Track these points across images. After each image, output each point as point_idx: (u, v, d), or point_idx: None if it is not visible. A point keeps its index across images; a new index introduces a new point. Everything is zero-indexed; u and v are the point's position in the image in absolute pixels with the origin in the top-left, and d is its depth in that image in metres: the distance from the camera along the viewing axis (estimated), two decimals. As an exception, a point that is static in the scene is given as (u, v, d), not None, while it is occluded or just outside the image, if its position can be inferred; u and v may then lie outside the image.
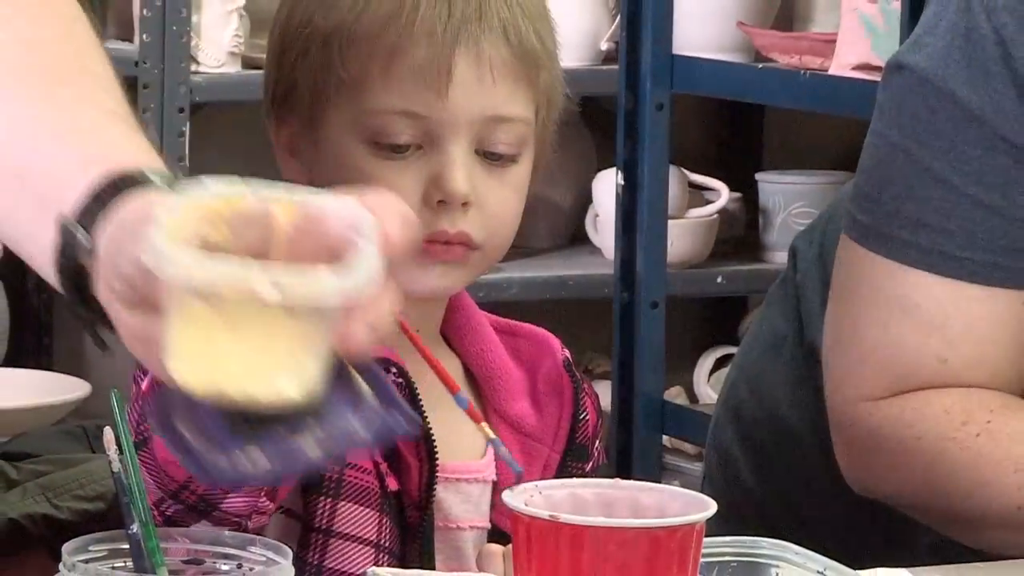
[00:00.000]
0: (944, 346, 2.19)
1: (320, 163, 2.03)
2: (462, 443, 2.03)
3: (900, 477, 2.22)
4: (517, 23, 2.00)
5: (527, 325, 2.15)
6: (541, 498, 1.68)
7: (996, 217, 2.12)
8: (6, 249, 3.98)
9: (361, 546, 1.96)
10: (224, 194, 1.43)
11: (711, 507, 1.68)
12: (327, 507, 1.95)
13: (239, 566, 1.70)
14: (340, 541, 1.96)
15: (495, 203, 2.00)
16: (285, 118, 2.05)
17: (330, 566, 1.93)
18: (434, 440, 1.96)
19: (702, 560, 1.68)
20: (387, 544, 1.98)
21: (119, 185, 1.43)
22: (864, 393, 2.23)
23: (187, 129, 3.65)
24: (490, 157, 2.00)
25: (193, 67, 3.70)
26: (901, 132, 2.19)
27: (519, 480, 1.85)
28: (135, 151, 1.52)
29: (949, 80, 2.14)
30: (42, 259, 1.49)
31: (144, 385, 1.75)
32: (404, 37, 1.97)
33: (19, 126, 1.57)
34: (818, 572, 1.85)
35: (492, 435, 1.87)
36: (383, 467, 1.96)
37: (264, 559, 1.69)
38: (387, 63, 1.98)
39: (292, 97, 2.04)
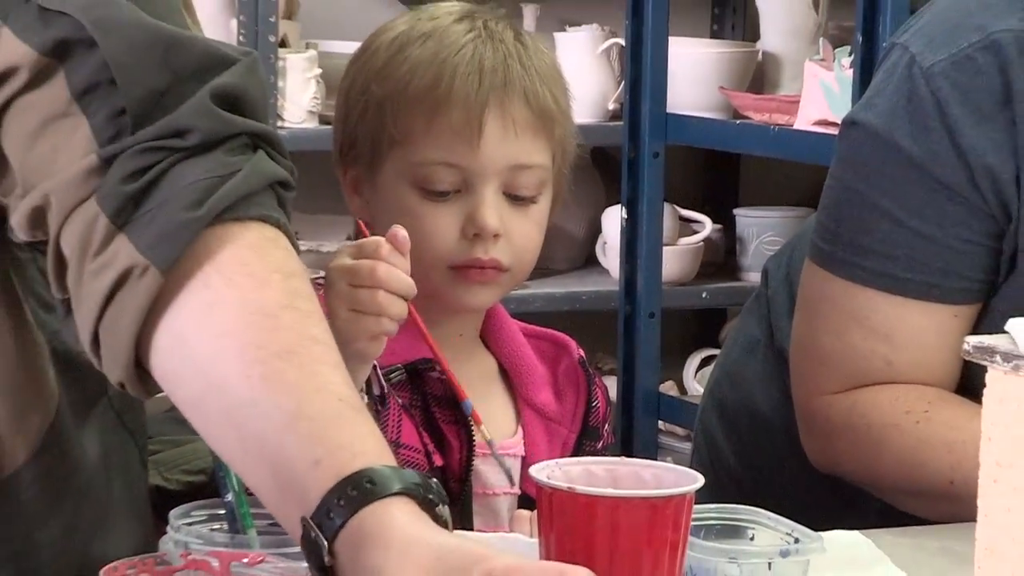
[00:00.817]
0: (889, 351, 2.18)
1: (378, 202, 2.04)
2: (497, 425, 2.01)
3: (854, 458, 2.22)
4: (535, 88, 2.01)
5: (549, 330, 2.16)
6: (560, 472, 1.67)
7: (933, 246, 2.11)
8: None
9: None
10: None
11: (699, 480, 1.68)
12: None
13: None
14: None
15: (520, 235, 2.00)
16: (350, 165, 2.06)
17: None
18: (471, 424, 1.96)
19: (692, 523, 1.67)
20: None
21: (349, 496, 1.38)
22: (823, 389, 2.22)
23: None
24: (515, 197, 2.01)
25: (279, 123, 3.68)
26: (855, 176, 2.19)
27: (512, 484, 1.98)
28: (363, 443, 1.45)
29: (894, 134, 2.12)
30: (289, 527, 1.45)
31: None
32: (443, 102, 1.98)
33: (252, 408, 1.48)
34: (787, 533, 1.84)
35: (489, 437, 1.87)
36: (430, 446, 1.97)
37: None
38: (429, 123, 1.99)
39: (355, 149, 2.05)
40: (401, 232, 1.80)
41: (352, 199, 2.09)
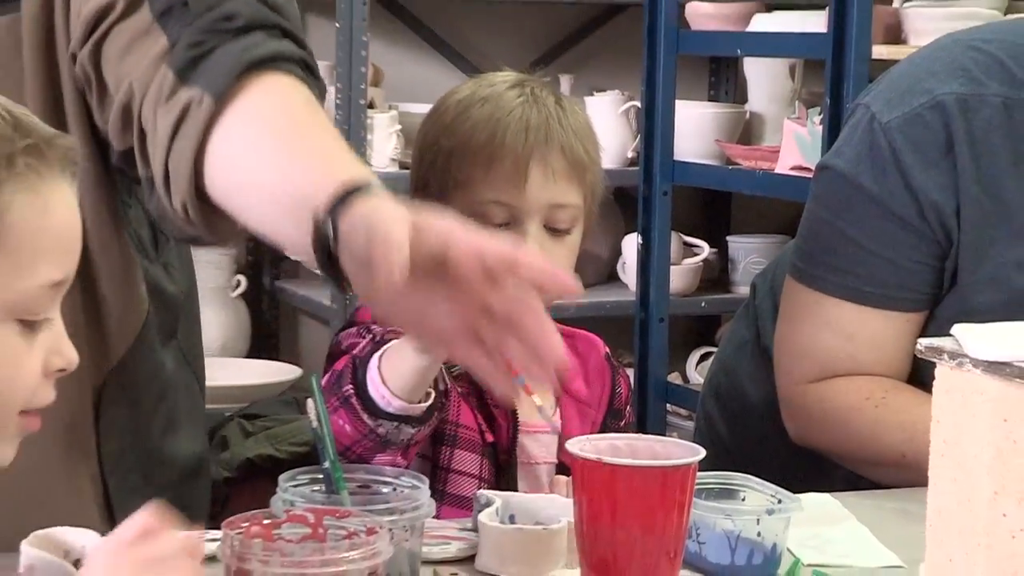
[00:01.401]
0: (853, 348, 2.16)
1: None
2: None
3: (824, 436, 2.20)
4: (571, 143, 2.00)
5: (581, 331, 2.14)
6: (590, 446, 1.68)
7: (890, 266, 2.09)
8: (250, 284, 3.91)
9: (469, 478, 1.98)
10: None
11: (701, 453, 1.68)
12: (447, 453, 1.96)
13: (394, 490, 1.70)
14: (456, 475, 1.97)
15: (557, 259, 1.98)
16: (422, 202, 2.03)
17: (450, 491, 1.93)
18: (516, 408, 1.98)
19: (695, 487, 1.68)
20: (486, 477, 1.98)
21: (352, 191, 1.42)
22: (799, 379, 2.20)
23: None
24: (553, 230, 2.01)
25: (369, 167, 3.65)
26: (827, 210, 2.17)
27: (556, 433, 2.00)
28: (359, 168, 1.52)
29: (858, 176, 2.11)
30: (295, 248, 1.51)
31: (324, 380, 1.82)
32: (497, 154, 1.98)
33: (280, 157, 1.57)
34: (771, 495, 1.83)
35: (539, 402, 1.85)
36: (483, 426, 1.98)
37: (410, 485, 1.69)
38: (486, 171, 1.99)
39: (426, 190, 2.04)
40: None
41: None
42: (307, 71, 1.79)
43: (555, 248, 2.00)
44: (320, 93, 1.80)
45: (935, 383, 1.33)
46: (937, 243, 2.10)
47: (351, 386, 1.79)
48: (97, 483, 1.96)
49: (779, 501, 1.81)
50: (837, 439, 2.19)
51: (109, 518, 1.95)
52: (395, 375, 1.77)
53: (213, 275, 3.77)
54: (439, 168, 2.03)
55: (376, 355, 1.80)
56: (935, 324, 2.14)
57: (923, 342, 1.33)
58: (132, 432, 1.99)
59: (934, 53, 2.20)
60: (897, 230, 2.09)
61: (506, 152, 1.98)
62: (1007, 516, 1.26)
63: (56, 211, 1.24)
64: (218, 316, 3.77)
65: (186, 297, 2.08)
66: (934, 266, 2.11)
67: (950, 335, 1.31)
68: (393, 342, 1.81)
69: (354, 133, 3.61)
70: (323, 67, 3.84)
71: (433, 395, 1.82)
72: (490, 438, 1.99)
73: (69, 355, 1.28)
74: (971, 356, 1.28)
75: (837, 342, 2.17)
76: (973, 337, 1.29)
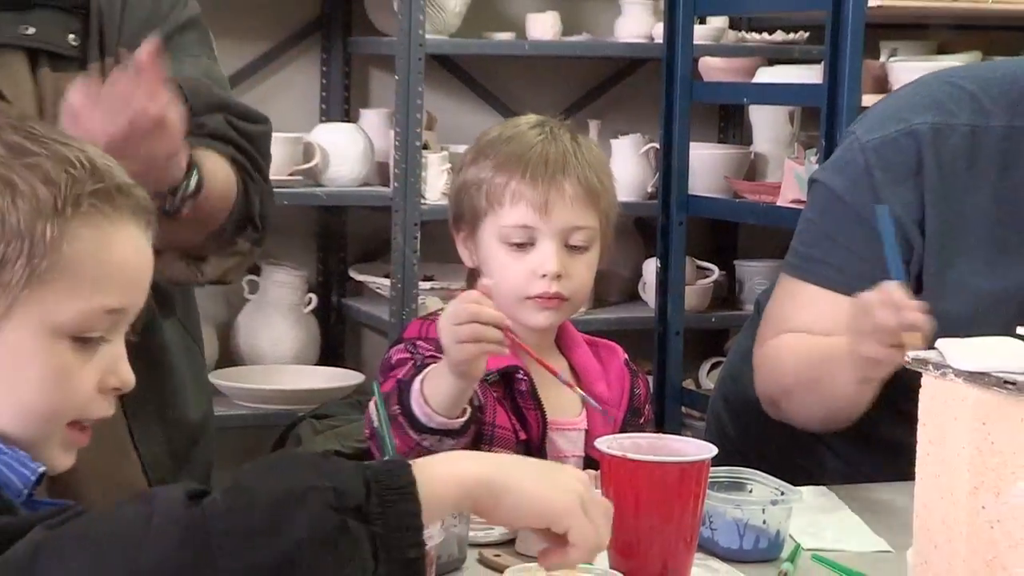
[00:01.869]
0: (809, 318, 2.14)
1: (480, 253, 2.05)
2: (566, 409, 2.01)
3: (771, 379, 2.18)
4: (586, 173, 2.00)
5: (603, 340, 2.13)
6: (616, 444, 1.68)
7: (861, 261, 2.06)
8: (320, 301, 3.88)
9: None
10: None
11: (713, 450, 1.69)
12: (486, 451, 1.92)
13: None
14: None
15: (576, 275, 2.00)
16: (461, 229, 2.06)
17: None
18: (545, 409, 1.97)
19: (708, 480, 1.69)
20: None
21: None
22: (762, 339, 2.21)
23: (419, 236, 3.61)
24: (572, 248, 2.00)
25: (422, 201, 3.65)
26: (814, 215, 2.18)
27: (605, 414, 1.97)
28: None
29: (837, 188, 2.12)
30: None
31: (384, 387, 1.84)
32: (521, 185, 1.98)
33: None
34: (775, 488, 1.84)
35: (581, 393, 1.88)
36: (516, 426, 1.97)
37: None
38: (512, 200, 1.99)
39: (462, 218, 2.05)
40: (486, 283, 1.85)
41: (463, 252, 2.08)
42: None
43: (574, 263, 2.00)
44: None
45: (921, 390, 1.32)
46: (900, 248, 2.05)
47: (398, 406, 1.81)
48: (131, 450, 2.00)
49: (782, 493, 1.81)
50: (778, 378, 2.15)
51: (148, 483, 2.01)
52: (436, 395, 1.80)
53: (288, 294, 3.77)
54: (472, 197, 2.03)
55: (418, 379, 1.82)
56: None
57: (910, 354, 1.33)
58: (153, 400, 2.02)
59: (914, 88, 2.21)
60: (865, 232, 2.06)
61: (528, 182, 1.98)
62: (985, 508, 1.25)
63: (118, 248, 1.22)
64: (292, 329, 3.77)
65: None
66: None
67: (934, 348, 1.30)
68: (432, 366, 1.83)
69: (411, 170, 3.60)
70: (384, 114, 3.86)
71: (469, 411, 1.84)
72: (523, 436, 1.98)
73: (125, 377, 1.26)
74: (953, 367, 1.27)
75: (797, 313, 2.15)
76: (955, 350, 1.28)
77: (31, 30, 1.94)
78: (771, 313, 2.21)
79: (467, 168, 2.07)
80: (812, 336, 2.11)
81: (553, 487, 1.26)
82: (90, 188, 1.19)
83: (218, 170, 1.97)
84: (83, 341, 1.21)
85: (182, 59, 2.09)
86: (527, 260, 1.99)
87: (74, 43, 1.98)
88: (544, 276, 1.98)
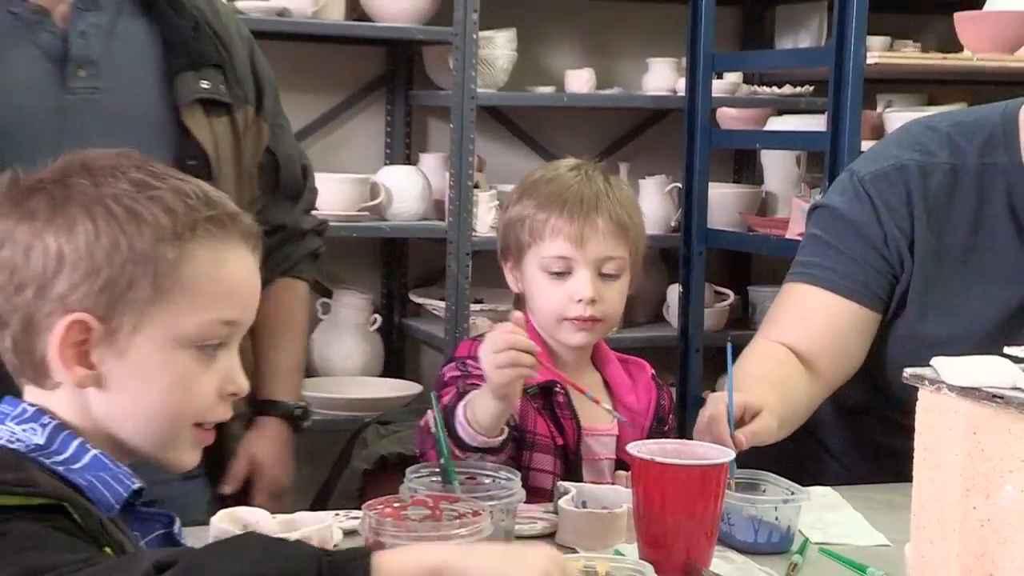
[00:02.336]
0: (801, 312, 2.14)
1: (524, 281, 2.04)
2: (599, 417, 2.00)
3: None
4: (616, 210, 2.00)
5: (633, 357, 2.13)
6: (645, 448, 1.67)
7: (858, 267, 2.08)
8: (383, 321, 3.87)
9: (545, 474, 1.95)
10: None
11: (732, 454, 1.70)
12: (528, 455, 1.95)
13: (494, 481, 1.71)
14: (535, 472, 1.95)
15: (608, 300, 2.00)
16: (507, 258, 2.06)
17: (531, 485, 1.88)
18: (580, 418, 1.97)
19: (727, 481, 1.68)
20: (558, 472, 1.96)
21: None
22: (758, 335, 2.20)
23: (470, 264, 3.60)
24: (605, 275, 2.00)
25: (473, 233, 3.64)
26: (817, 229, 2.15)
27: (630, 426, 1.98)
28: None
29: (840, 207, 2.12)
30: None
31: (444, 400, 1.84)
32: (559, 221, 1.98)
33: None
34: (786, 488, 1.84)
35: (608, 407, 1.90)
36: (554, 432, 1.96)
37: (506, 477, 1.71)
38: (552, 234, 1.99)
39: (509, 250, 2.06)
40: (518, 315, 1.86)
41: (510, 279, 2.08)
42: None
43: (607, 289, 2.00)
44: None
45: (918, 403, 1.30)
46: (891, 264, 2.08)
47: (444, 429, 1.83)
48: None
49: (792, 493, 1.80)
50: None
51: None
52: (477, 417, 1.79)
53: (356, 315, 3.77)
54: (517, 232, 2.03)
55: (461, 404, 1.82)
56: (893, 339, 2.11)
57: (908, 371, 1.31)
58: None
59: (901, 132, 2.21)
60: (865, 244, 2.08)
61: (566, 219, 1.98)
62: (976, 508, 1.24)
63: (230, 267, 1.22)
64: (359, 345, 3.77)
65: None
66: (887, 277, 2.08)
67: (930, 366, 1.29)
68: (474, 392, 1.83)
69: (463, 207, 3.60)
70: (439, 158, 3.87)
71: (506, 430, 1.83)
72: (560, 441, 1.97)
73: (240, 383, 1.26)
74: (947, 383, 1.25)
75: (787, 313, 2.14)
76: (948, 368, 1.27)
77: (205, 84, 2.02)
78: (770, 312, 2.20)
79: (513, 206, 2.07)
80: (779, 358, 2.11)
81: (517, 568, 1.13)
82: (205, 215, 1.20)
83: None
84: (202, 349, 1.21)
85: (279, 135, 2.17)
86: (565, 287, 1.99)
87: (225, 92, 2.06)
88: (580, 301, 1.98)
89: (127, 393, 1.19)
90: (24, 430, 1.19)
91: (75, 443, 1.19)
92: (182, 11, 2.04)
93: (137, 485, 1.23)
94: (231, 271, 1.22)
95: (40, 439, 1.19)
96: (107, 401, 1.19)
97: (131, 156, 1.24)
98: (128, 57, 1.99)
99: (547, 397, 1.99)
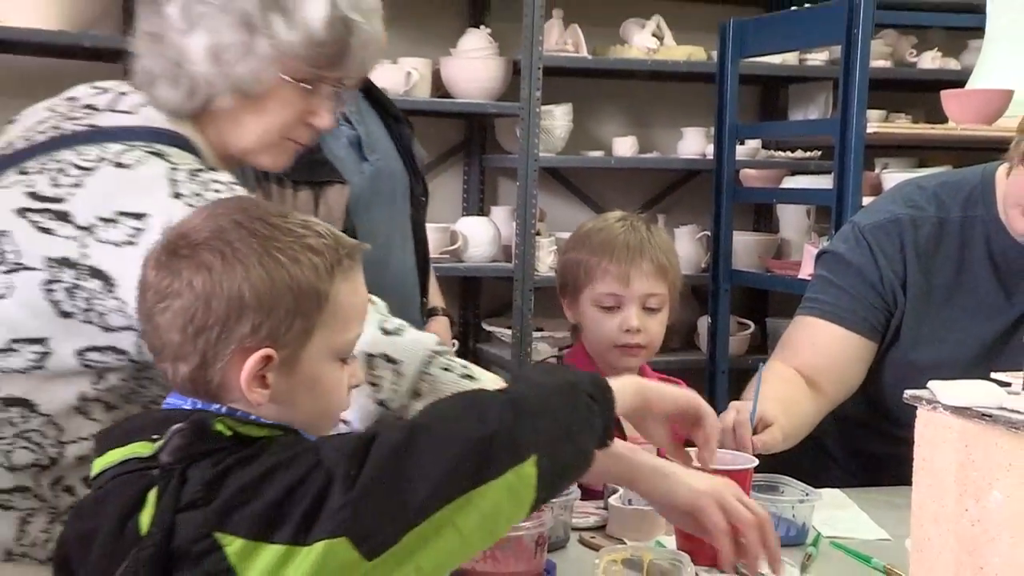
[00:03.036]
0: (807, 339, 2.10)
1: (579, 314, 2.02)
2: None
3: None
4: (656, 254, 1.99)
5: (671, 378, 2.07)
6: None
7: (858, 303, 2.05)
8: (461, 345, 3.84)
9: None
10: None
11: (755, 461, 1.68)
12: None
13: None
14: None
15: (651, 329, 1.99)
16: (565, 294, 2.04)
17: (585, 485, 1.82)
18: (624, 428, 1.90)
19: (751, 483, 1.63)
20: None
21: None
22: (773, 357, 2.14)
23: (532, 299, 3.59)
24: (648, 309, 1.98)
25: (535, 273, 3.63)
26: (822, 270, 2.12)
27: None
28: None
29: (844, 253, 2.08)
30: None
31: None
32: (610, 264, 1.98)
33: None
34: (801, 490, 1.80)
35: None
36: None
37: None
38: (603, 275, 1.98)
39: (567, 287, 2.04)
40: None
41: (568, 312, 2.07)
42: None
43: (650, 321, 1.99)
44: None
45: (917, 420, 1.27)
46: (887, 302, 2.05)
47: None
48: None
49: (806, 494, 1.77)
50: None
51: None
52: None
53: (437, 340, 3.77)
54: (574, 273, 2.03)
55: None
56: (889, 364, 2.08)
57: (908, 392, 1.29)
58: None
59: (895, 191, 2.18)
60: (865, 284, 2.05)
61: (614, 263, 1.98)
62: (968, 511, 1.21)
63: (358, 291, 1.22)
64: (440, 366, 3.77)
65: None
66: (883, 312, 2.05)
67: (927, 388, 1.26)
68: None
69: (527, 251, 3.60)
70: (507, 210, 3.87)
71: None
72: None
73: (360, 376, 1.26)
74: (943, 403, 1.23)
75: (796, 341, 2.10)
76: (943, 390, 1.24)
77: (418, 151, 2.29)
78: (784, 339, 2.16)
79: (569, 252, 2.06)
80: (789, 379, 2.06)
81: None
82: (342, 252, 1.20)
83: None
84: (343, 361, 1.22)
85: None
86: (615, 319, 1.98)
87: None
88: (628, 330, 1.97)
89: (294, 402, 1.19)
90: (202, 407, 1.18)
91: (250, 415, 1.18)
92: (392, 108, 2.27)
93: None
94: (359, 295, 1.23)
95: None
96: (276, 410, 1.18)
97: (259, 203, 1.23)
98: (379, 136, 2.20)
99: None
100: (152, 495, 1.08)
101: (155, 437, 1.11)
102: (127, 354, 1.41)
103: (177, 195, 1.37)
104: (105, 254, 1.37)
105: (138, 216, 1.37)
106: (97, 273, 1.38)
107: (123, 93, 1.51)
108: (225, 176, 1.42)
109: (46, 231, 1.40)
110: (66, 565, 1.14)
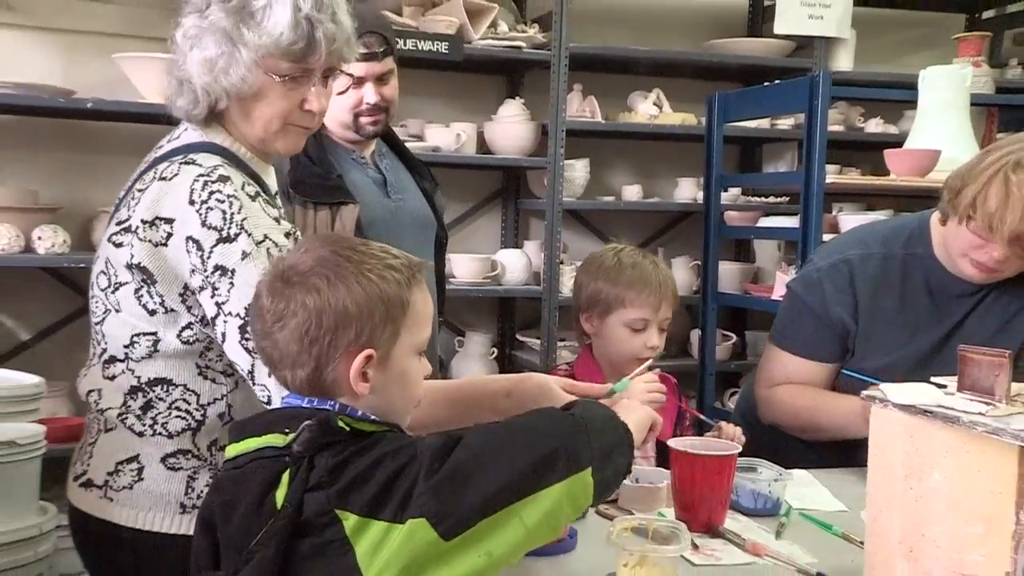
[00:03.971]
0: (786, 372, 2.08)
1: (604, 330, 2.00)
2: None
3: (782, 419, 2.11)
4: (673, 287, 2.02)
5: (663, 373, 2.05)
6: (679, 443, 1.63)
7: (816, 338, 2.04)
8: (499, 353, 3.81)
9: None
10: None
11: (739, 448, 1.65)
12: None
13: None
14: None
15: (661, 343, 2.00)
16: (589, 314, 2.01)
17: None
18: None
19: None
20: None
21: None
22: (762, 386, 2.13)
23: (557, 315, 3.57)
24: (661, 329, 1.98)
25: (559, 294, 3.62)
26: (786, 304, 2.12)
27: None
28: None
29: (800, 293, 2.07)
30: None
31: None
32: (644, 297, 1.96)
33: None
34: (776, 471, 1.77)
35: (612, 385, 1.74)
36: None
37: None
38: (639, 305, 1.96)
39: (593, 309, 2.01)
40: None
41: (586, 325, 2.03)
42: None
43: (661, 338, 2.00)
44: None
45: (872, 416, 1.26)
46: (839, 334, 2.03)
47: None
48: None
49: (780, 474, 1.75)
50: (790, 422, 2.09)
51: None
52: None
53: (480, 348, 3.76)
54: (607, 299, 2.00)
55: None
56: (844, 374, 2.06)
57: (864, 393, 1.27)
58: None
59: (849, 235, 2.17)
60: (817, 321, 2.03)
61: (648, 295, 1.98)
62: (912, 489, 1.19)
63: (428, 298, 1.23)
64: (483, 369, 3.74)
65: None
66: (837, 342, 2.03)
67: (880, 390, 1.25)
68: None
69: (553, 277, 3.59)
70: (537, 244, 3.85)
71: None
72: None
73: (429, 368, 1.26)
74: (892, 401, 1.21)
75: (781, 371, 2.09)
76: (893, 391, 1.23)
77: (439, 200, 2.29)
78: (764, 367, 2.14)
79: (599, 282, 2.02)
80: (803, 390, 2.04)
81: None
82: (415, 268, 1.21)
83: None
84: (420, 355, 1.23)
85: None
86: (641, 338, 1.98)
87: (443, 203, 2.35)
88: (650, 347, 1.98)
89: (389, 392, 1.19)
90: (327, 407, 1.19)
91: (359, 413, 1.19)
92: (419, 167, 2.27)
93: None
94: (429, 300, 1.24)
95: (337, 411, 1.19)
96: (376, 400, 1.19)
97: (349, 240, 1.24)
98: (406, 182, 2.21)
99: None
100: (286, 477, 1.09)
101: (287, 431, 1.12)
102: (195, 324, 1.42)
103: (191, 202, 1.38)
104: (144, 252, 1.40)
105: (169, 221, 1.39)
106: (140, 269, 1.41)
107: (176, 127, 1.55)
108: (228, 188, 1.40)
109: (119, 245, 1.43)
110: (209, 526, 1.16)
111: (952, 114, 2.99)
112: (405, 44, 3.22)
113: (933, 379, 1.25)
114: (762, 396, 2.14)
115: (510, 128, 3.67)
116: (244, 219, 1.36)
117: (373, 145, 2.20)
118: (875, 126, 4.12)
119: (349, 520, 1.05)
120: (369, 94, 2.11)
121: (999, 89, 3.89)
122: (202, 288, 1.37)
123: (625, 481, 1.71)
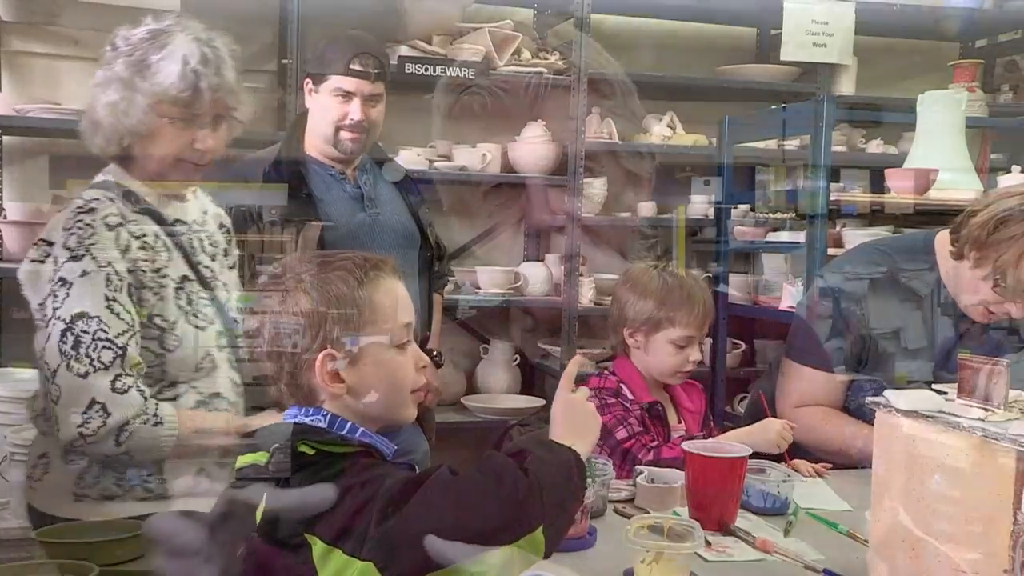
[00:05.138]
0: (812, 391, 2.05)
1: (648, 346, 1.97)
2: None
3: (805, 438, 2.04)
4: (713, 305, 1.99)
5: (691, 380, 2.06)
6: (695, 445, 1.63)
7: (830, 346, 2.02)
8: (522, 359, 3.81)
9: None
10: None
11: (749, 450, 1.65)
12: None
13: (593, 464, 1.62)
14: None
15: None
16: (634, 331, 1.97)
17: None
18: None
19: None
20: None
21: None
22: (786, 405, 2.09)
23: (576, 324, 3.58)
24: (700, 342, 1.96)
25: (578, 304, 3.62)
26: (798, 324, 2.11)
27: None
28: None
29: (812, 306, 2.07)
30: None
31: None
32: (692, 317, 1.94)
33: None
34: (784, 472, 1.76)
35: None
36: (651, 430, 1.92)
37: (603, 462, 1.62)
38: (686, 324, 1.95)
39: (640, 326, 1.97)
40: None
41: (630, 340, 1.99)
42: None
43: (700, 352, 2.00)
44: None
45: (875, 420, 1.25)
46: (850, 346, 2.01)
47: None
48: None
49: (788, 475, 1.75)
50: (811, 440, 2.04)
51: None
52: None
53: (504, 354, 3.76)
54: (651, 318, 1.97)
55: None
56: (855, 382, 2.05)
57: (868, 399, 1.27)
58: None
59: (855, 252, 2.16)
60: (835, 334, 2.01)
61: (696, 314, 1.96)
62: (915, 490, 1.19)
63: (391, 292, 1.21)
64: (506, 374, 3.75)
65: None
66: (852, 354, 2.02)
67: (884, 396, 1.24)
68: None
69: (572, 288, 3.59)
70: (558, 257, 3.83)
71: None
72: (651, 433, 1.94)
73: (424, 358, 1.25)
74: (895, 407, 1.21)
75: (803, 387, 2.07)
76: (896, 397, 1.22)
77: (424, 215, 2.29)
78: (786, 386, 2.11)
79: (646, 300, 1.98)
80: (833, 416, 2.02)
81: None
82: (368, 266, 1.20)
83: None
84: (399, 346, 1.21)
85: (433, 231, 2.38)
86: (684, 353, 1.97)
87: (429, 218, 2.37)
88: (693, 361, 1.97)
89: (366, 389, 1.19)
90: (311, 420, 1.19)
91: (348, 425, 1.19)
92: (402, 181, 2.27)
93: (394, 447, 1.23)
94: (394, 294, 1.21)
95: (324, 424, 1.19)
96: (359, 399, 1.18)
97: (308, 255, 1.24)
98: (388, 197, 2.20)
99: (651, 408, 1.96)
100: (266, 494, 1.10)
101: (272, 448, 1.13)
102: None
103: (65, 228, 1.50)
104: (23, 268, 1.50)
105: (49, 243, 1.50)
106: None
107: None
108: (90, 217, 1.52)
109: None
110: (220, 524, 1.17)
111: (949, 135, 2.99)
112: (435, 71, 3.23)
113: (934, 386, 1.25)
114: (786, 414, 2.12)
115: (532, 149, 3.67)
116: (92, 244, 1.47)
117: (356, 161, 2.20)
118: (875, 147, 4.10)
119: (317, 546, 1.05)
120: (355, 111, 2.11)
121: (992, 112, 3.87)
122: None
123: (642, 482, 1.72)
